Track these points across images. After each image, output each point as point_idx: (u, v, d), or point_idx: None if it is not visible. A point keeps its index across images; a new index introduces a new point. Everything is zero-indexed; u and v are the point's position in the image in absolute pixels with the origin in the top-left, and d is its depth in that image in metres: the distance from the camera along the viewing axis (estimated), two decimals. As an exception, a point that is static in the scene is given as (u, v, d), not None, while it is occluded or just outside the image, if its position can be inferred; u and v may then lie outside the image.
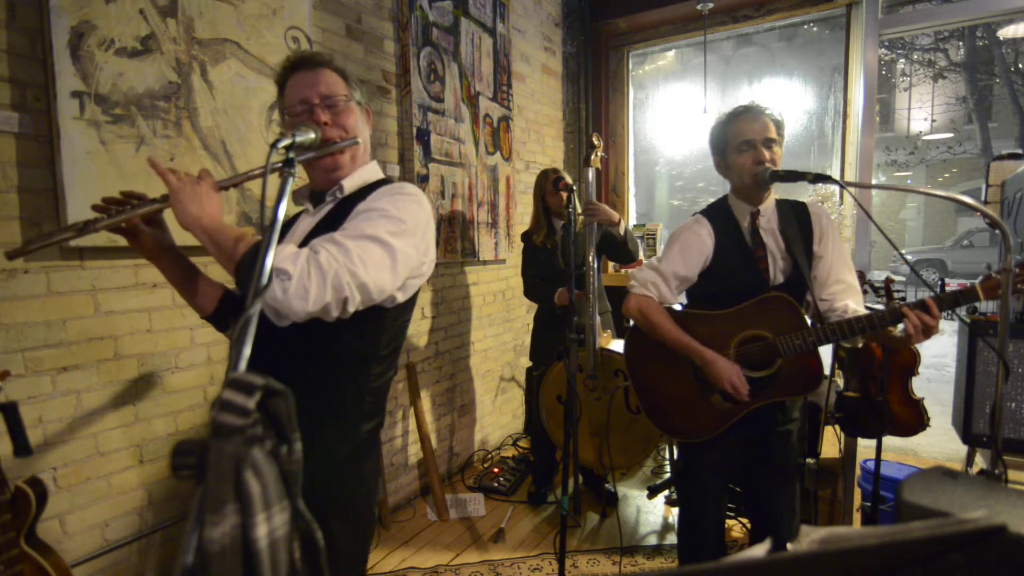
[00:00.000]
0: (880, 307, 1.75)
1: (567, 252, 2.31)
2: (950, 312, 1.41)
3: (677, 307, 1.74)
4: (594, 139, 2.50)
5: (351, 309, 0.98)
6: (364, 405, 1.13)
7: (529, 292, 2.87)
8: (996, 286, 1.36)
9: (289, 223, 1.21)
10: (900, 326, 1.43)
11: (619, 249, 2.62)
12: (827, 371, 2.39)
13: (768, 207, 1.64)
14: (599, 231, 2.56)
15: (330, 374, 1.09)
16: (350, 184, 1.15)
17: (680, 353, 1.62)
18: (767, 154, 1.54)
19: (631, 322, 1.79)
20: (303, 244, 1.10)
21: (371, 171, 1.21)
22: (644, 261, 2.82)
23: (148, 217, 1.07)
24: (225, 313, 1.23)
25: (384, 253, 1.01)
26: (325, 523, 1.06)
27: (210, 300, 1.21)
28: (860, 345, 1.73)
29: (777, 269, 1.62)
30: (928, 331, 1.40)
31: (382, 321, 1.11)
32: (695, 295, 1.73)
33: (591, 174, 2.49)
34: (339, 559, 1.10)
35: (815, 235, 1.63)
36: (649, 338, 1.70)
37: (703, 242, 1.64)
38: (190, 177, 1.00)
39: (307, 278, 0.92)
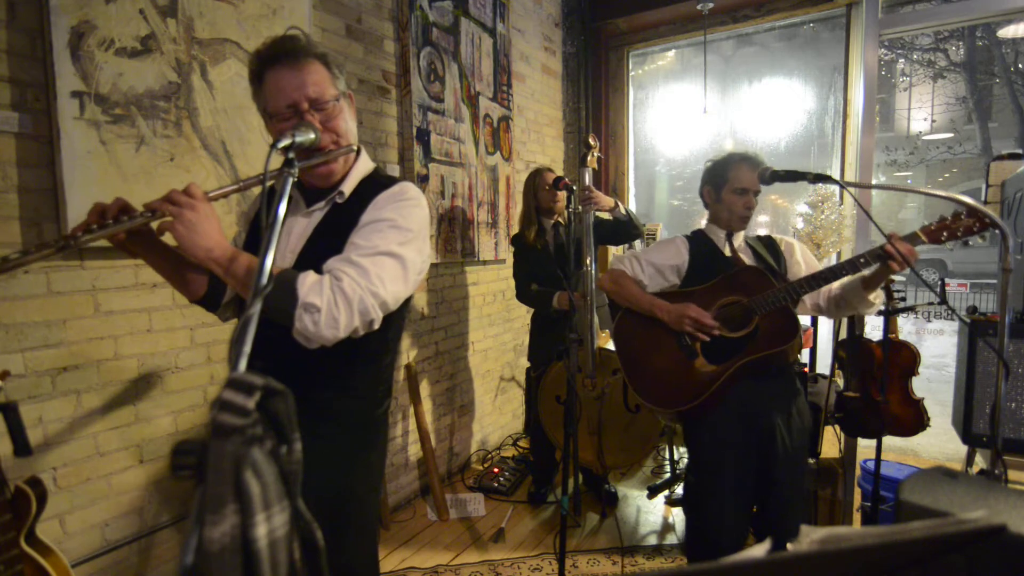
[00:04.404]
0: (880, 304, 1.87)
1: (566, 252, 2.31)
2: (949, 310, 1.42)
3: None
4: (590, 140, 2.51)
5: (376, 326, 1.05)
6: (379, 391, 1.23)
7: (522, 296, 2.85)
8: (939, 231, 1.49)
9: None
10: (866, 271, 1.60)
11: (624, 229, 2.62)
12: (827, 370, 2.39)
13: (740, 234, 1.83)
14: (593, 223, 2.56)
15: (347, 369, 1.15)
16: (348, 187, 1.16)
17: (643, 312, 1.78)
18: (754, 202, 1.78)
19: (613, 333, 1.89)
20: (304, 250, 1.13)
21: (363, 165, 1.20)
22: None
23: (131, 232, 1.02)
24: (216, 293, 1.24)
25: (397, 264, 1.06)
26: (354, 495, 1.17)
27: (200, 284, 1.22)
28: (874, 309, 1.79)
29: None
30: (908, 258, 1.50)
31: (389, 317, 1.13)
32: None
33: (588, 175, 2.50)
34: (367, 521, 1.24)
35: (785, 252, 1.83)
36: (634, 318, 1.82)
37: (678, 249, 1.84)
38: (186, 201, 0.95)
39: (335, 308, 0.97)
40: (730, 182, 1.75)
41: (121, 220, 0.96)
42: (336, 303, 0.97)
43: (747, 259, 1.79)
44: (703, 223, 1.90)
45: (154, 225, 1.01)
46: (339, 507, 1.14)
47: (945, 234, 1.48)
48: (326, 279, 0.99)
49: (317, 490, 1.10)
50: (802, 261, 1.82)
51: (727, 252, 1.79)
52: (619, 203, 2.60)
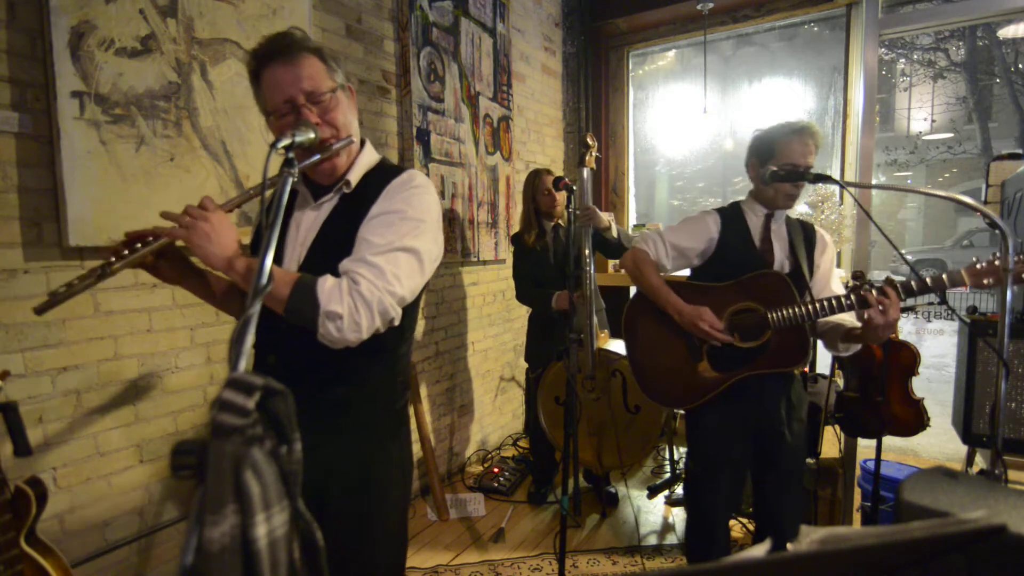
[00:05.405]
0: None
1: (566, 253, 2.31)
2: (949, 310, 1.41)
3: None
4: (588, 139, 2.51)
5: (397, 322, 1.07)
6: (397, 384, 1.23)
7: (522, 296, 2.85)
8: (982, 274, 1.37)
9: (286, 209, 1.22)
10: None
11: (614, 247, 2.64)
12: (827, 370, 2.39)
13: (781, 214, 1.72)
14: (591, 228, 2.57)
15: (366, 364, 1.15)
16: (354, 177, 1.15)
17: (658, 303, 1.72)
18: (802, 184, 1.63)
19: (623, 316, 1.88)
20: (314, 242, 1.13)
21: (368, 156, 1.20)
22: None
23: (160, 252, 1.06)
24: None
25: (412, 258, 1.06)
26: (380, 488, 1.16)
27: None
28: (849, 352, 1.75)
29: (781, 266, 1.70)
30: (886, 314, 1.41)
31: (404, 307, 1.13)
32: (701, 277, 1.78)
33: (586, 174, 2.50)
34: (396, 515, 1.23)
35: (818, 247, 1.73)
36: (648, 306, 1.78)
37: (707, 227, 1.73)
38: (199, 213, 0.98)
39: (356, 313, 0.98)
40: (777, 157, 1.60)
41: (148, 242, 1.00)
42: (357, 308, 0.98)
43: (779, 248, 1.69)
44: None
45: (179, 243, 1.03)
46: (366, 501, 1.15)
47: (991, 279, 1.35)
48: (344, 283, 0.99)
49: (343, 485, 1.12)
50: (823, 264, 1.73)
51: (758, 242, 1.69)
52: (613, 224, 2.60)
